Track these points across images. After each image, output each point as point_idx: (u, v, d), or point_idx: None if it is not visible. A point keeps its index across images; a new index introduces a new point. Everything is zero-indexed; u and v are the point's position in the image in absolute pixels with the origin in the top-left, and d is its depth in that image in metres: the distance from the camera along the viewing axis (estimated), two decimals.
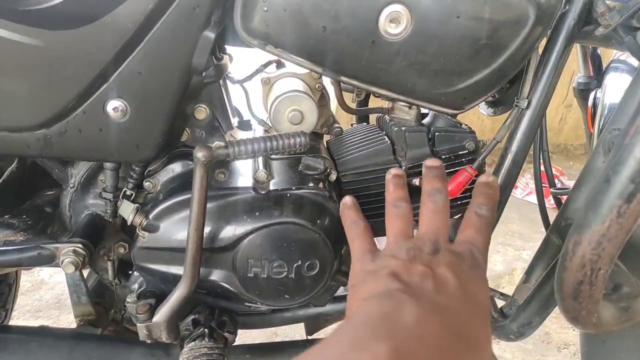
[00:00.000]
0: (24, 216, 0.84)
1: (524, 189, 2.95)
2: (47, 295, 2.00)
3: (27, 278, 2.08)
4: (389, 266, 0.51)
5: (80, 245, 0.74)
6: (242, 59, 1.02)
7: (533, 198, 2.69)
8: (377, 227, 0.89)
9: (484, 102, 0.91)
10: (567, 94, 3.00)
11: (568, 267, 0.49)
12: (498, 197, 0.62)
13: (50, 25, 0.63)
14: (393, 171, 0.65)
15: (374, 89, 0.70)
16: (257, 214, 0.73)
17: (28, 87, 0.66)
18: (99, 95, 0.68)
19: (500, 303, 0.84)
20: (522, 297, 0.76)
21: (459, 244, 0.56)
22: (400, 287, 0.47)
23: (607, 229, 0.45)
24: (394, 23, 0.63)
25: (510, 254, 2.22)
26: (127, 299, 0.77)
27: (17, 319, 1.84)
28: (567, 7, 0.70)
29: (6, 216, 0.84)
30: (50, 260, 0.75)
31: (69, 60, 0.65)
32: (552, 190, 1.04)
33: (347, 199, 0.66)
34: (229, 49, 0.89)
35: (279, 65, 0.93)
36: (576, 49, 1.07)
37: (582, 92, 1.07)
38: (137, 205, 0.75)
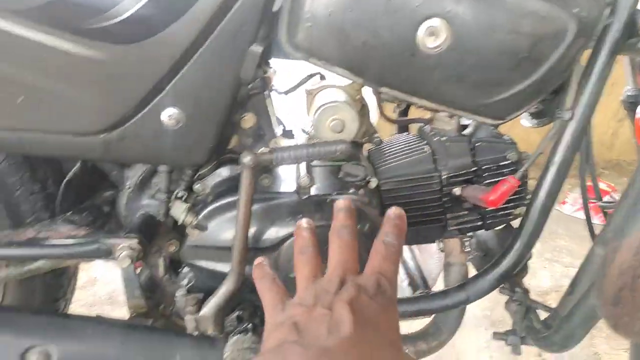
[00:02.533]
0: (85, 213, 0.91)
1: (574, 204, 2.84)
2: (101, 291, 2.11)
3: (83, 274, 2.20)
4: (293, 316, 0.51)
5: (135, 241, 0.80)
6: (286, 72, 1.06)
7: (583, 214, 2.59)
8: (419, 234, 0.91)
9: (526, 113, 0.91)
10: (619, 108, 2.88)
11: (608, 274, 0.49)
12: (405, 229, 0.61)
13: (113, 40, 0.69)
14: (300, 222, 0.64)
15: (414, 99, 0.73)
16: (300, 216, 0.76)
17: (91, 96, 0.73)
18: (155, 104, 0.73)
19: (543, 315, 0.83)
20: (566, 309, 0.75)
21: (365, 275, 0.56)
22: (295, 339, 0.47)
23: None
24: (432, 36, 0.65)
25: (558, 271, 2.15)
26: (177, 293, 0.82)
27: (73, 311, 1.95)
28: (611, 19, 0.69)
29: (69, 213, 0.91)
30: (108, 253, 0.80)
31: (128, 72, 0.71)
32: (599, 203, 1.01)
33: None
34: (274, 62, 0.94)
35: (322, 77, 0.97)
36: (624, 60, 1.04)
37: (631, 105, 1.04)
38: (188, 205, 0.80)
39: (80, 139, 0.76)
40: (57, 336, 0.78)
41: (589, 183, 0.98)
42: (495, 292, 0.92)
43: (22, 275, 0.95)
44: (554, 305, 0.82)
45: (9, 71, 0.69)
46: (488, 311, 1.88)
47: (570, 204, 2.79)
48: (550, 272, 2.14)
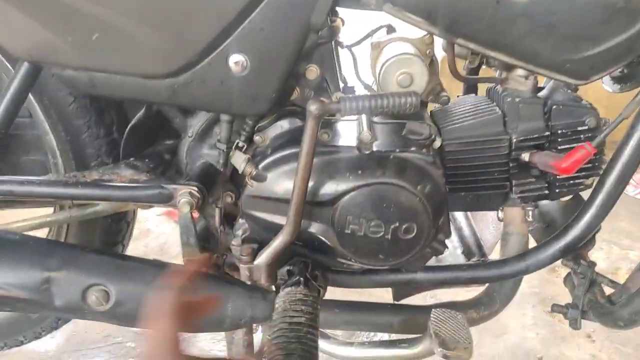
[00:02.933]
0: (147, 160, 0.92)
1: (637, 186, 2.69)
2: (153, 242, 2.19)
3: (136, 226, 2.29)
4: None
5: (195, 188, 0.80)
6: (351, 24, 1.02)
7: None
8: (479, 200, 0.88)
9: (609, 77, 0.85)
10: None
11: None
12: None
13: None
14: None
15: (492, 53, 0.68)
16: (360, 172, 0.74)
17: (160, 37, 0.73)
18: (222, 49, 0.72)
19: (608, 291, 0.79)
20: (635, 286, 0.71)
21: None
22: None
23: None
24: None
25: (615, 253, 2.05)
26: (232, 242, 0.82)
27: None
28: None
29: (132, 159, 0.93)
30: (168, 199, 0.82)
31: (196, 14, 0.70)
32: None
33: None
34: (341, 12, 0.91)
35: (389, 30, 0.93)
36: None
37: None
38: (248, 156, 0.80)
39: (147, 81, 0.76)
40: (116, 276, 0.81)
41: None
42: (544, 271, 0.88)
43: (84, 216, 0.99)
44: (608, 291, 0.78)
45: (86, 4, 0.69)
46: (537, 288, 1.82)
47: (634, 185, 2.64)
48: (606, 254, 2.04)
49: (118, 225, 1.14)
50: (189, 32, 0.72)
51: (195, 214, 0.91)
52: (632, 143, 0.72)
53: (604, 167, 0.80)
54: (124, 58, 0.74)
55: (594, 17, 0.62)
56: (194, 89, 0.75)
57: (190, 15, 0.70)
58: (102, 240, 1.12)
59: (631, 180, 2.70)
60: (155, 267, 0.85)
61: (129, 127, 0.94)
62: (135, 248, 2.15)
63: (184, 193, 0.80)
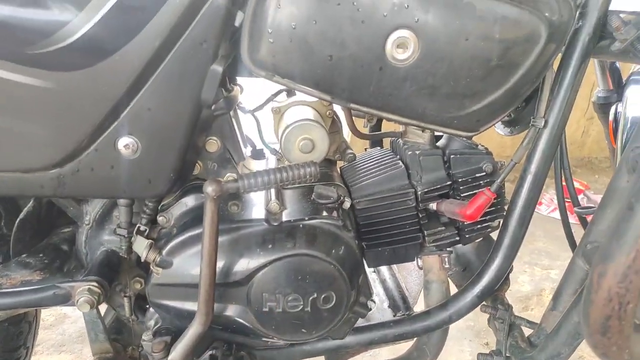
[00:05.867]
0: (41, 255, 0.84)
1: (549, 205, 2.87)
2: (70, 329, 2.00)
3: (50, 312, 2.09)
4: None
5: (95, 284, 0.74)
6: (253, 88, 1.02)
7: (558, 214, 2.61)
8: (396, 253, 0.88)
9: (500, 122, 0.89)
10: (588, 106, 2.94)
11: (594, 301, 0.46)
12: None
13: (61, 67, 0.64)
14: None
15: (384, 114, 0.69)
16: (270, 246, 0.71)
17: (40, 129, 0.67)
18: (109, 133, 0.68)
19: (527, 331, 0.80)
20: (550, 325, 0.72)
21: None
22: None
23: (632, 261, 0.42)
24: (401, 48, 0.62)
25: (538, 274, 2.15)
26: (143, 337, 0.76)
27: (41, 354, 1.85)
28: (580, 23, 0.68)
29: (23, 255, 0.84)
30: (66, 299, 0.74)
31: (80, 100, 0.66)
32: (576, 210, 1.00)
33: None
34: (240, 79, 0.90)
35: (290, 93, 0.93)
36: (594, 63, 1.04)
37: (602, 107, 1.04)
38: (150, 241, 0.74)
39: (30, 175, 0.69)
40: None
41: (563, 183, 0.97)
42: None
43: None
44: (536, 312, 0.80)
45: None
46: (471, 322, 1.85)
47: (545, 204, 2.81)
48: (530, 277, 2.13)
49: (17, 328, 1.02)
50: (71, 120, 0.67)
51: None
52: (526, 186, 0.76)
53: (507, 206, 0.83)
54: None
55: (473, 75, 0.65)
56: (83, 178, 0.70)
57: (71, 101, 0.66)
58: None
59: (542, 200, 2.87)
60: None
61: (17, 221, 0.86)
62: (50, 338, 1.95)
63: (82, 291, 0.73)
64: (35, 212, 0.87)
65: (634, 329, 0.48)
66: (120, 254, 0.82)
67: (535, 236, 2.40)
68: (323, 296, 0.72)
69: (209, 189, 0.62)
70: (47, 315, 2.03)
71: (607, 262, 0.44)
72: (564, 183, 0.98)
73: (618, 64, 1.04)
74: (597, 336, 0.48)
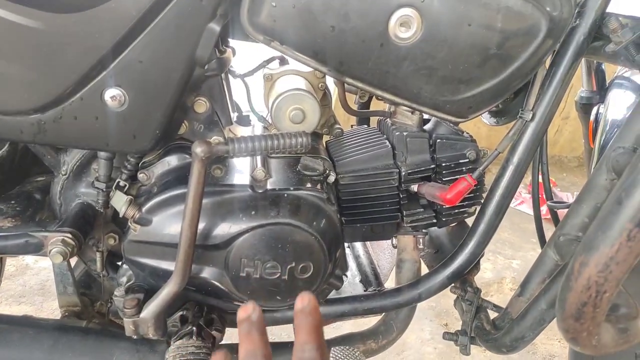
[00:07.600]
0: (13, 202, 0.82)
1: (517, 198, 2.96)
2: (32, 280, 1.97)
3: (12, 262, 2.05)
4: None
5: (69, 235, 0.72)
6: (245, 53, 1.00)
7: (524, 207, 2.68)
8: (374, 230, 0.89)
9: (487, 112, 0.91)
10: (564, 106, 3.01)
11: (573, 288, 0.48)
12: (319, 321, 0.47)
13: (52, 8, 0.61)
14: (246, 311, 0.47)
15: (378, 92, 0.69)
16: (253, 213, 0.71)
17: (24, 70, 0.64)
18: (97, 82, 0.66)
19: (492, 314, 0.83)
20: (516, 311, 0.75)
21: None
22: None
23: (615, 252, 0.44)
24: (404, 27, 0.62)
25: (500, 263, 2.22)
26: (115, 293, 0.75)
27: (0, 304, 1.81)
28: (577, 22, 0.69)
29: None
30: (38, 248, 0.73)
31: (68, 45, 0.63)
32: (549, 203, 1.03)
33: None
34: (232, 42, 0.88)
35: (282, 62, 0.92)
36: (581, 63, 1.06)
37: (584, 107, 1.06)
38: (130, 197, 0.73)
39: (9, 118, 0.67)
40: None
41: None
42: None
43: None
44: (495, 298, 0.83)
45: None
46: (433, 302, 1.91)
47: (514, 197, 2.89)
48: (492, 264, 2.20)
49: None
50: (58, 64, 0.64)
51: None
52: (507, 175, 0.78)
53: (484, 195, 0.85)
54: None
55: (470, 62, 0.65)
56: (64, 126, 0.67)
57: (59, 45, 0.63)
58: None
59: None
60: (23, 325, 0.75)
61: None
62: (11, 288, 1.91)
63: (56, 241, 0.72)
64: (9, 158, 0.84)
65: (605, 318, 0.51)
66: (97, 208, 0.80)
67: (501, 227, 2.46)
68: (301, 266, 0.73)
69: (198, 149, 0.61)
70: (8, 265, 1.99)
71: (590, 253, 0.46)
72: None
73: (604, 67, 1.07)
74: (571, 321, 0.51)
